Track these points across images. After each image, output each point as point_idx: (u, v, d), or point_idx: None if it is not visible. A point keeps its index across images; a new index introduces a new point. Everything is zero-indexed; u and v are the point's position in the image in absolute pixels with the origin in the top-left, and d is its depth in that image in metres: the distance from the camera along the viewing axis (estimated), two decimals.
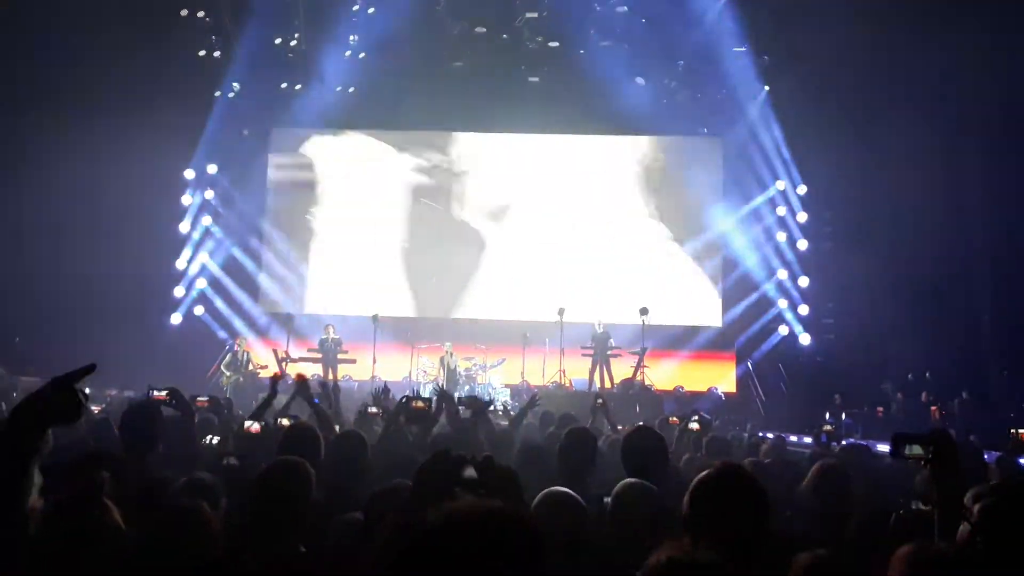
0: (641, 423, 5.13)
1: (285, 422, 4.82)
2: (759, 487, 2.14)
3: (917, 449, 2.37)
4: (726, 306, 16.25)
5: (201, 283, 16.21)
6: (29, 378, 10.32)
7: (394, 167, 16.91)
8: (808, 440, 9.29)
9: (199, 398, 6.23)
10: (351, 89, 15.71)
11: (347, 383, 13.25)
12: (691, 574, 1.50)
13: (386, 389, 6.74)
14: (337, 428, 4.71)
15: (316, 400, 5.24)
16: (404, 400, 4.75)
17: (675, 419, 6.31)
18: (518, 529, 1.16)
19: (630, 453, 3.51)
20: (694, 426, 5.91)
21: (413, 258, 16.68)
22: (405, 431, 4.73)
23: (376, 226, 16.68)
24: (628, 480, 2.89)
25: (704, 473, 2.18)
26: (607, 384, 13.58)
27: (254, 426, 4.77)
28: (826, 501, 2.93)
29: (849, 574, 1.94)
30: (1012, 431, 5.53)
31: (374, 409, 5.47)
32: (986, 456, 5.63)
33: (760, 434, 9.07)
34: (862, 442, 8.46)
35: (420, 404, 4.50)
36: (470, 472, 2.22)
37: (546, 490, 2.74)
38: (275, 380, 5.79)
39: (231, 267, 16.44)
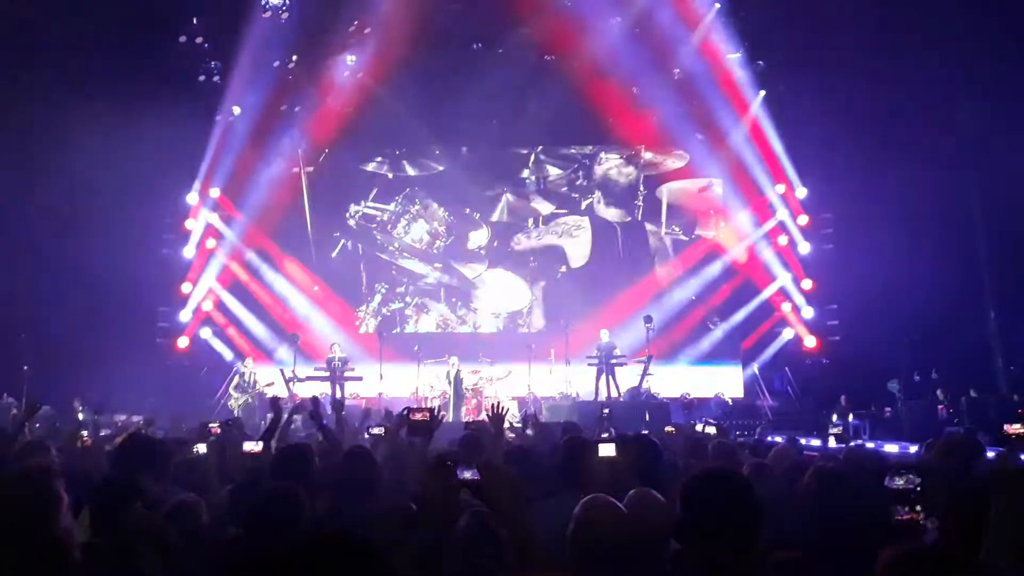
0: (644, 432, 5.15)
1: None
2: (748, 488, 2.15)
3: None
4: (731, 311, 16.22)
5: (207, 306, 16.26)
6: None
7: (393, 182, 17.00)
8: (817, 443, 9.29)
9: (211, 424, 6.27)
10: (348, 108, 15.82)
11: (353, 402, 13.25)
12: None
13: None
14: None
15: (324, 421, 5.22)
16: (405, 413, 4.72)
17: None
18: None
19: (636, 462, 3.57)
20: (711, 430, 6.01)
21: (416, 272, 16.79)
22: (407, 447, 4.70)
23: (377, 240, 16.77)
24: (639, 489, 2.90)
25: (690, 475, 2.19)
26: (613, 393, 13.57)
27: (257, 447, 4.77)
28: (823, 505, 2.95)
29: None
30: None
31: (378, 429, 5.46)
32: (992, 453, 5.62)
33: (770, 438, 9.09)
34: (869, 442, 8.47)
35: (421, 416, 4.48)
36: (471, 474, 2.26)
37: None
38: (276, 401, 5.77)
39: (236, 289, 16.49)
